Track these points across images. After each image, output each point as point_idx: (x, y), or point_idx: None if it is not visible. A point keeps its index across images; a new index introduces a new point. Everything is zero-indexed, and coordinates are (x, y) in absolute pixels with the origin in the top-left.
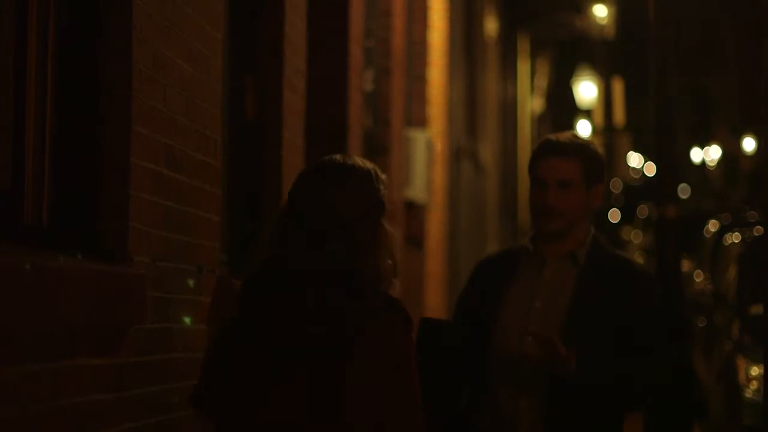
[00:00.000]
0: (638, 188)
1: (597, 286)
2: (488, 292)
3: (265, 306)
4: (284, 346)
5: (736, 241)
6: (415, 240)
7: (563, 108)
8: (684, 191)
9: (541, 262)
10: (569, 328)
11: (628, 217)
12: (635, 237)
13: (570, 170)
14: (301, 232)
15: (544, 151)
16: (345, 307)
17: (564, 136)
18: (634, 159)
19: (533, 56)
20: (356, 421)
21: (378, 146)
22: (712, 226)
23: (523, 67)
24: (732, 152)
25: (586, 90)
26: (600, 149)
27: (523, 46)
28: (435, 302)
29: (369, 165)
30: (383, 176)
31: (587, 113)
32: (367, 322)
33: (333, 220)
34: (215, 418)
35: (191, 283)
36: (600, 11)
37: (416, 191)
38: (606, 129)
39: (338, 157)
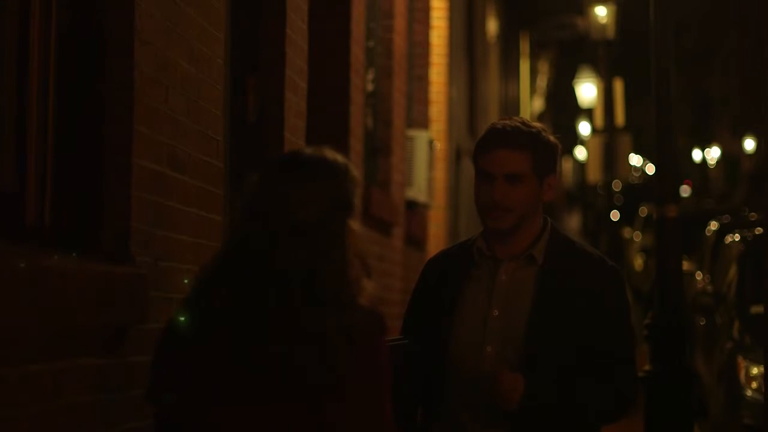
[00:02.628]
0: (638, 188)
1: (558, 289)
2: (442, 297)
3: (223, 307)
4: (247, 361)
5: (737, 241)
6: (416, 240)
7: (564, 108)
8: (684, 191)
9: (496, 264)
10: (530, 339)
11: (628, 217)
12: (635, 237)
13: (519, 162)
14: (262, 231)
15: (489, 141)
16: (322, 327)
17: (511, 123)
18: (635, 159)
19: (534, 57)
20: None
21: (379, 146)
22: (713, 225)
23: (524, 68)
24: (732, 152)
25: (587, 90)
26: (553, 135)
27: (524, 46)
28: None
29: (340, 160)
30: (354, 173)
31: (588, 113)
32: (344, 344)
33: (294, 220)
34: (166, 417)
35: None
36: (601, 12)
37: (417, 191)
38: (606, 129)
39: (308, 150)
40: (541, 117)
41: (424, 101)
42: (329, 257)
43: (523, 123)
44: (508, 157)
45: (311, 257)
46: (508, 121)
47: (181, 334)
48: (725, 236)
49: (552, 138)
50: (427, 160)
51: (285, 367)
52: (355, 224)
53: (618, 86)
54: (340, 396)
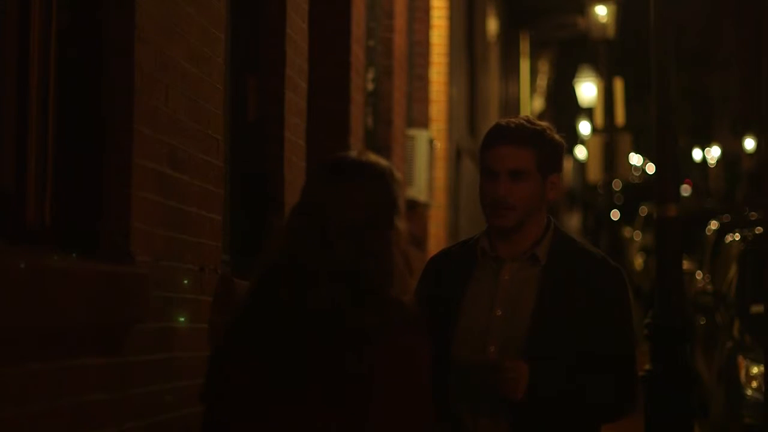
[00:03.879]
0: (639, 187)
1: (561, 289)
2: (444, 296)
3: (273, 307)
4: (294, 356)
5: (737, 240)
6: (417, 239)
7: (564, 107)
8: (684, 190)
9: (499, 263)
10: (533, 339)
11: (628, 217)
12: (636, 236)
13: (522, 159)
14: (312, 230)
15: (493, 138)
16: (363, 324)
17: (516, 121)
18: (635, 158)
19: (534, 56)
20: None
21: (379, 146)
22: (713, 225)
23: (524, 67)
24: (732, 152)
25: (587, 90)
26: (558, 135)
27: (524, 45)
28: None
29: (384, 163)
30: (397, 175)
31: (588, 113)
32: (386, 342)
33: (343, 220)
34: (219, 417)
35: (193, 282)
36: (601, 11)
37: (417, 191)
38: (607, 128)
39: (353, 154)
40: (541, 116)
41: (425, 100)
42: (376, 256)
43: (528, 121)
44: (512, 153)
45: (359, 257)
46: (513, 119)
47: (239, 336)
48: (725, 235)
49: (557, 137)
50: (428, 159)
51: (328, 365)
52: (401, 224)
53: (618, 85)
54: (377, 392)
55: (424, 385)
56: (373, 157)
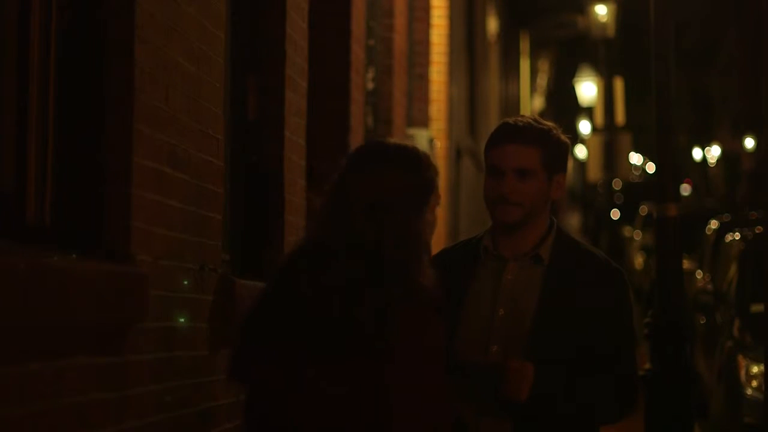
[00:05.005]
0: (639, 187)
1: (564, 289)
2: (446, 295)
3: (297, 282)
4: (316, 332)
5: (737, 240)
6: None
7: (564, 107)
8: (684, 189)
9: (501, 262)
10: (536, 338)
11: (628, 216)
12: (636, 236)
13: (528, 157)
14: (337, 210)
15: (500, 136)
16: (381, 304)
17: (523, 120)
18: (635, 158)
19: (534, 55)
20: (398, 423)
21: None
22: (713, 224)
23: (524, 66)
24: (732, 151)
25: (587, 89)
26: (564, 135)
27: (524, 45)
28: None
29: (420, 152)
30: (435, 163)
31: (588, 112)
32: (405, 322)
33: (366, 199)
34: (247, 387)
35: (193, 282)
36: (601, 10)
37: None
38: (607, 128)
39: (389, 140)
40: (541, 116)
41: (425, 100)
42: (397, 237)
43: (535, 120)
44: (517, 151)
45: (379, 235)
46: (520, 118)
47: (264, 315)
48: (725, 235)
49: (563, 137)
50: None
51: (348, 330)
52: (430, 215)
53: (618, 85)
54: (395, 358)
55: (440, 367)
56: (411, 145)
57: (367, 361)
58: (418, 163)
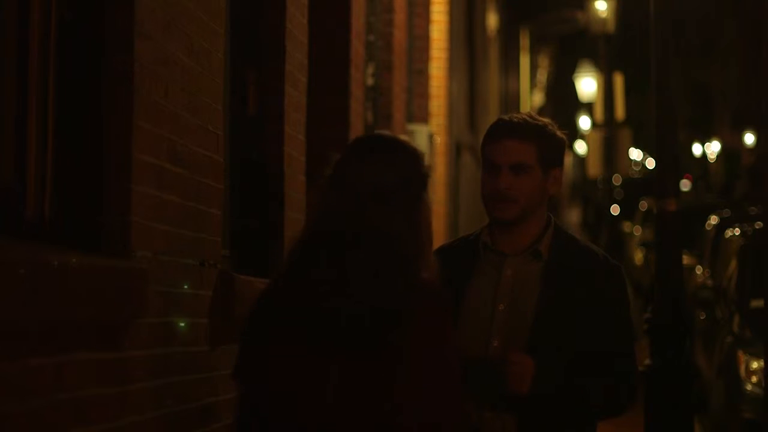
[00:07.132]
0: (639, 182)
1: (563, 284)
2: (446, 291)
3: (301, 276)
4: (322, 329)
5: (737, 235)
6: None
7: (564, 102)
8: (684, 185)
9: (500, 258)
10: (536, 333)
11: (628, 211)
12: (635, 231)
13: (524, 153)
14: (346, 198)
15: (496, 132)
16: (398, 305)
17: (519, 116)
18: (635, 153)
19: (534, 51)
20: (406, 424)
21: None
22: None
23: (524, 62)
24: (732, 147)
25: (587, 84)
26: (560, 131)
27: (524, 40)
28: None
29: (414, 144)
30: (425, 157)
31: (588, 107)
32: (413, 321)
33: (376, 185)
34: (248, 389)
35: (193, 277)
36: (601, 6)
37: None
38: (607, 123)
39: (385, 133)
40: (541, 111)
41: (425, 95)
42: (408, 221)
43: (531, 116)
44: (514, 147)
45: (391, 218)
46: (516, 114)
47: (276, 305)
48: (725, 230)
49: (559, 132)
50: (428, 154)
51: (349, 324)
52: (428, 197)
53: (618, 80)
54: (409, 376)
55: (455, 368)
56: (403, 137)
57: (374, 361)
58: (415, 154)
